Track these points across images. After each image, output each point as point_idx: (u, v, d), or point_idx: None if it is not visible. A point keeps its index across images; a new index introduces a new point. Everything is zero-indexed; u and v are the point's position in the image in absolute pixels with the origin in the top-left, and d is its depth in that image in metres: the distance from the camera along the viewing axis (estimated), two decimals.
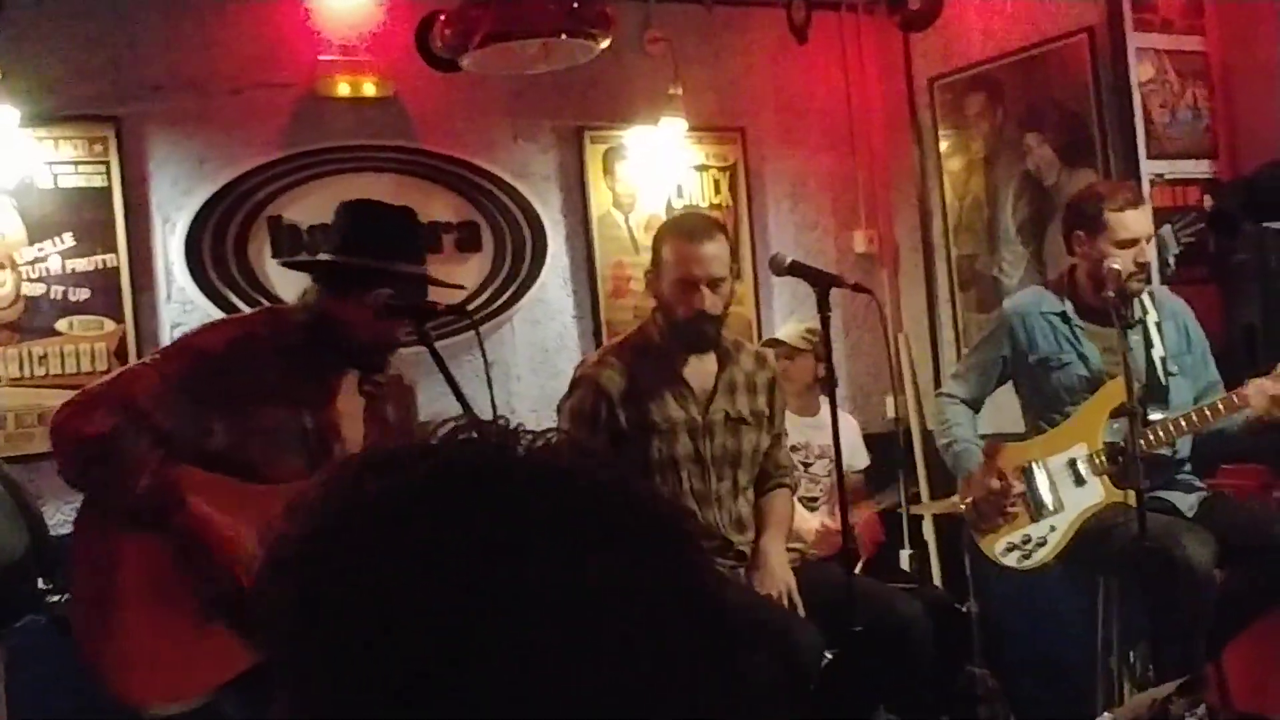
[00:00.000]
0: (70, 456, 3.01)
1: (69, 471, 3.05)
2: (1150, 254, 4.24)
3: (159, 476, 2.96)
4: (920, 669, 3.90)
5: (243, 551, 2.97)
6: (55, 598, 3.89)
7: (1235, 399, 4.07)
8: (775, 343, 5.25)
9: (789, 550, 4.49)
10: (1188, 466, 4.34)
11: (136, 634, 2.91)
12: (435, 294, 3.31)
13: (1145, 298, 4.32)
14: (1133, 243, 4.15)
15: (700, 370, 3.95)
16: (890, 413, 6.14)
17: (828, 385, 3.66)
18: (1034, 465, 4.27)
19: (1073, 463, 4.24)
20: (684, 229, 3.95)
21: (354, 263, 3.15)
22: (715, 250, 3.88)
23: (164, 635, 2.97)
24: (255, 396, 3.10)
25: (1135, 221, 4.17)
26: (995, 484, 4.23)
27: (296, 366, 3.16)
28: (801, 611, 3.80)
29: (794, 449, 5.21)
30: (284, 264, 4.50)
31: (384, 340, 3.16)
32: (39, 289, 4.77)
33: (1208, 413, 4.09)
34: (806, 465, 5.27)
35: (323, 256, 3.31)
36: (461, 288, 5.05)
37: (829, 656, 4.12)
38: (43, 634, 3.93)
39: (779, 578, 3.83)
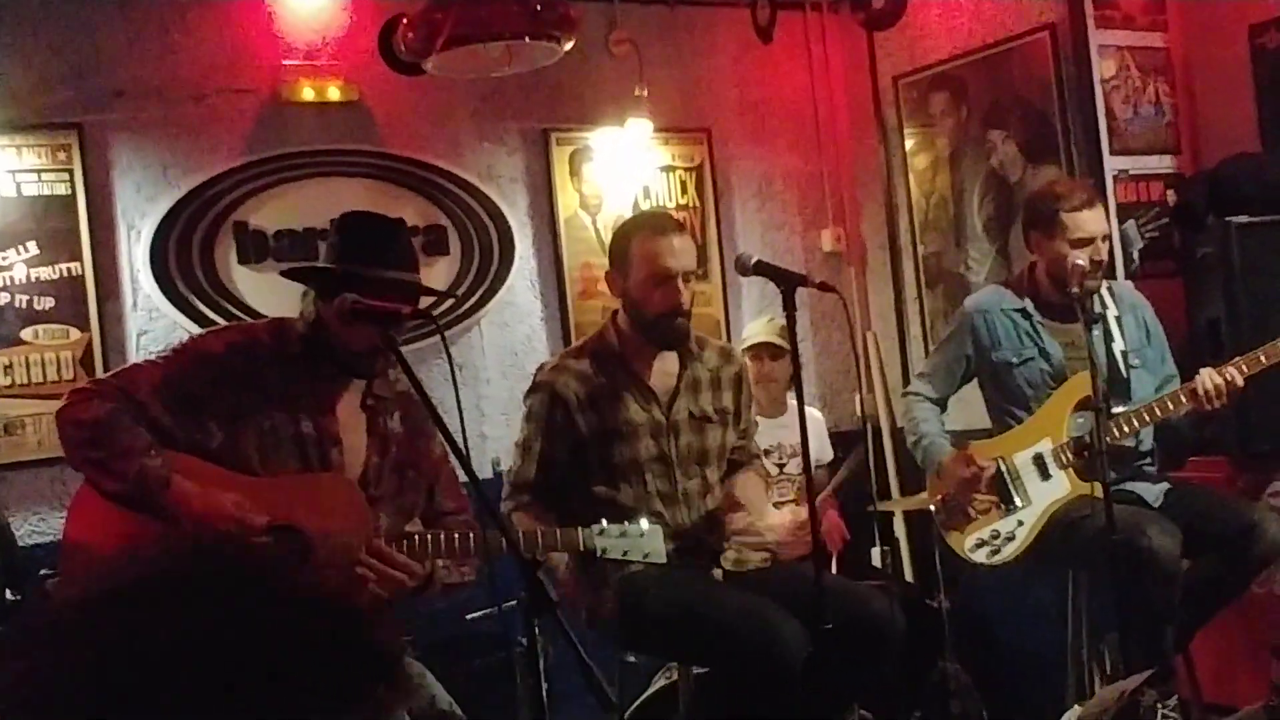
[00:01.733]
0: (71, 441, 3.12)
1: (70, 456, 3.16)
2: (1105, 252, 4.27)
3: (148, 460, 3.04)
4: (893, 665, 3.91)
5: (234, 511, 3.05)
6: (49, 573, 3.90)
7: (1192, 391, 4.11)
8: (761, 346, 5.25)
9: (760, 550, 4.51)
10: (1151, 458, 4.37)
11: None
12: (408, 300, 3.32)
13: (1105, 293, 4.36)
14: (1088, 242, 4.18)
15: (661, 370, 3.94)
16: (858, 411, 6.16)
17: (795, 383, 3.65)
18: (1001, 461, 4.29)
19: (1039, 457, 4.27)
20: (652, 224, 3.94)
21: (340, 269, 3.22)
22: (686, 244, 3.92)
23: None
24: (254, 400, 3.17)
25: (1090, 221, 4.21)
26: (965, 472, 4.25)
27: (297, 374, 3.23)
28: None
29: (766, 452, 5.22)
30: (283, 272, 4.47)
31: (365, 345, 3.19)
32: (3, 298, 4.74)
33: (1169, 403, 4.13)
34: (781, 467, 5.27)
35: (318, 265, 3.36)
36: (455, 295, 5.05)
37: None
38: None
39: (776, 525, 3.97)
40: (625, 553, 3.40)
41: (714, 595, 3.74)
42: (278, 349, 3.24)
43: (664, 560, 3.48)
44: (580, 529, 3.41)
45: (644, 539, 3.40)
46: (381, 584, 3.15)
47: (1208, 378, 4.05)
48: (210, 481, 3.08)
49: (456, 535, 3.26)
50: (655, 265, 3.79)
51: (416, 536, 3.26)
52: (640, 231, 3.90)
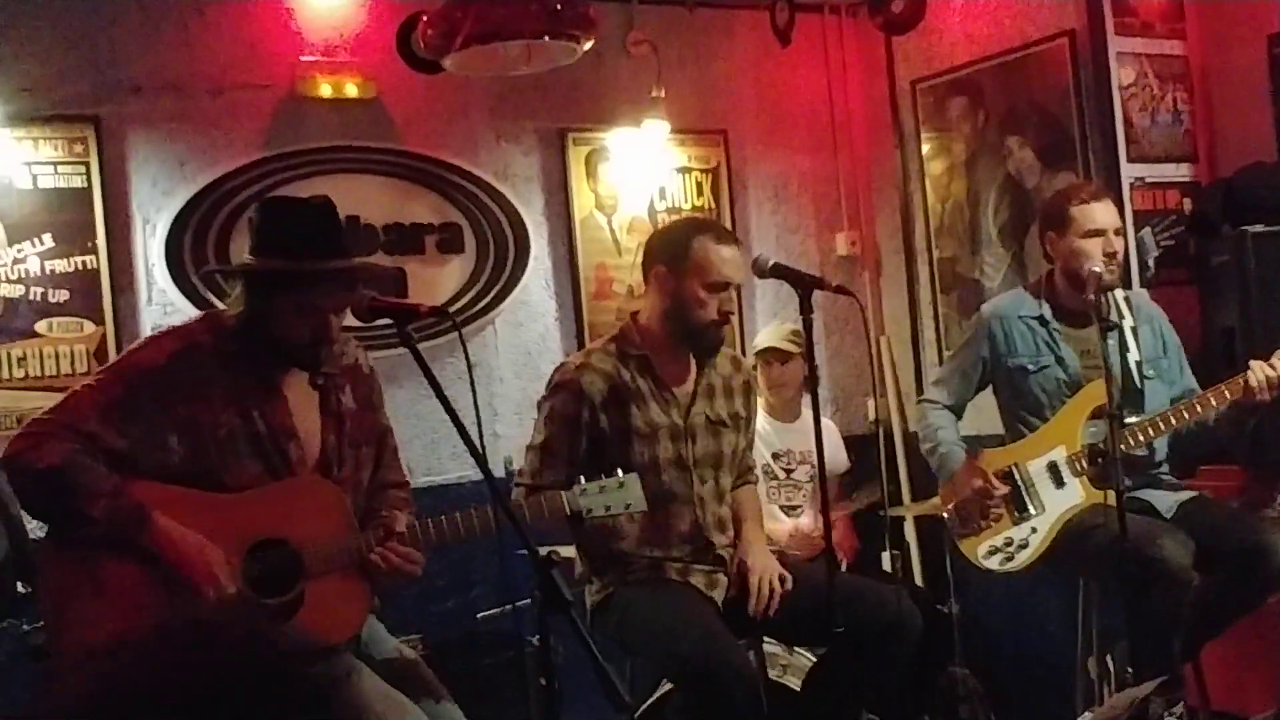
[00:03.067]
0: (27, 491, 2.99)
1: (28, 505, 3.04)
2: (1119, 246, 4.26)
3: (118, 498, 2.93)
4: (911, 664, 3.90)
5: (211, 563, 2.96)
6: (27, 627, 3.87)
7: (1211, 398, 4.10)
8: (770, 351, 5.25)
9: (792, 553, 4.52)
10: (1165, 467, 4.36)
11: (108, 653, 2.89)
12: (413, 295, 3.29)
13: (1121, 302, 4.35)
14: (1099, 233, 4.19)
15: (680, 374, 3.94)
16: (872, 415, 6.15)
17: (811, 387, 3.65)
18: (1014, 468, 4.28)
19: (1053, 465, 4.26)
20: (715, 231, 3.92)
21: (262, 267, 3.10)
22: (742, 257, 3.91)
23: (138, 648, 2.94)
24: (205, 406, 3.04)
25: (1100, 213, 4.23)
26: (978, 484, 4.24)
27: (240, 370, 3.11)
28: (782, 585, 3.81)
29: (775, 456, 5.22)
30: (202, 274, 4.48)
31: (313, 337, 3.10)
32: (18, 290, 4.75)
33: (1184, 412, 4.12)
34: (789, 471, 5.27)
35: (245, 260, 3.18)
36: (398, 271, 4.97)
37: (799, 653, 4.13)
38: (20, 639, 3.91)
39: (766, 566, 3.83)
40: (608, 508, 3.37)
41: (684, 616, 3.70)
42: (217, 346, 3.11)
43: (645, 507, 3.47)
44: (562, 493, 3.38)
45: (623, 489, 3.38)
46: (391, 575, 3.14)
47: (1260, 369, 4.03)
48: (185, 508, 2.97)
49: (456, 519, 3.21)
50: (716, 273, 3.79)
51: (414, 526, 3.22)
52: (702, 235, 3.85)
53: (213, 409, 3.05)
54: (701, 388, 3.94)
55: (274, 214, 3.22)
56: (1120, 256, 4.28)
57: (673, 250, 3.85)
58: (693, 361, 3.96)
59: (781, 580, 3.81)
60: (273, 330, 3.09)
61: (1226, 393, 4.09)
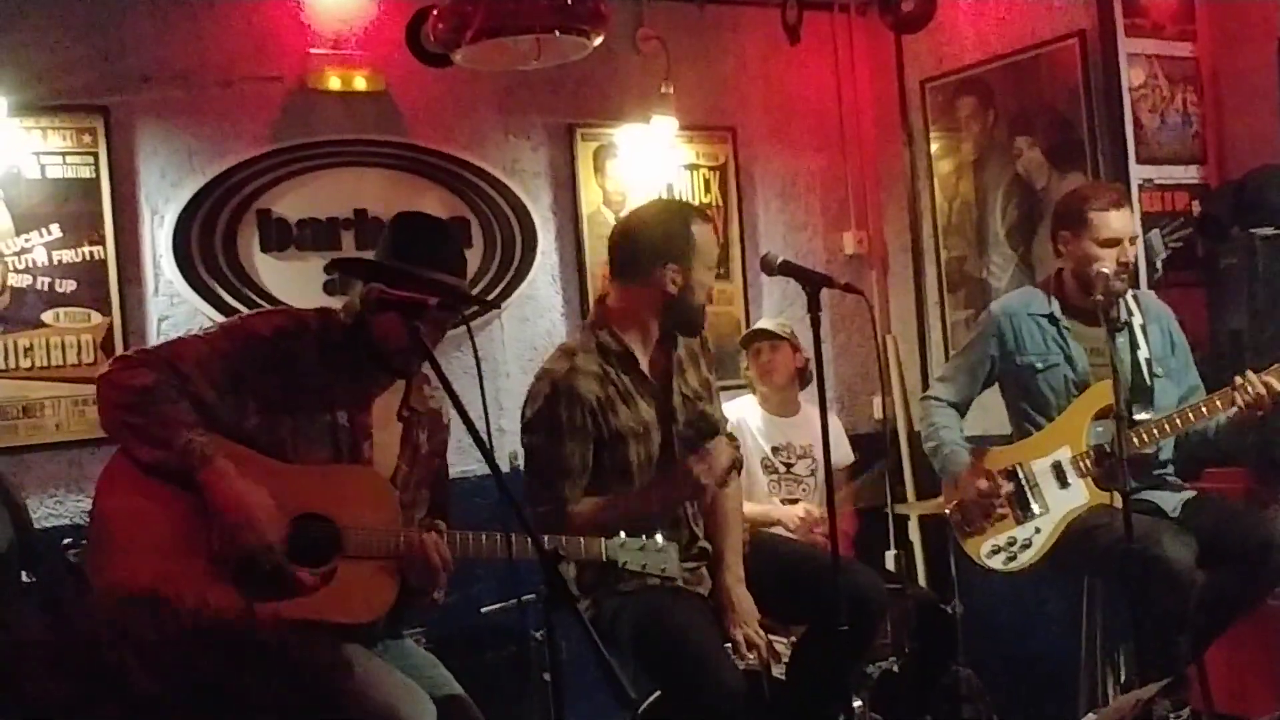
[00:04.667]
0: (112, 404, 3.08)
1: (108, 419, 3.11)
2: (1133, 255, 4.26)
3: (191, 432, 3.02)
4: (871, 637, 3.95)
5: (259, 512, 3.02)
6: (74, 548, 3.93)
7: (1219, 401, 4.08)
8: (760, 333, 5.25)
9: (770, 534, 4.51)
10: (1170, 467, 4.36)
11: (144, 582, 2.91)
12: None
13: (1131, 301, 4.34)
14: (1115, 242, 4.17)
15: (655, 359, 3.86)
16: (877, 413, 6.15)
17: (817, 384, 3.64)
18: (1019, 468, 4.28)
19: (1057, 465, 4.26)
20: (699, 213, 3.89)
21: (388, 265, 3.22)
22: None
23: (171, 587, 2.95)
24: (293, 386, 3.16)
25: (1118, 221, 4.20)
26: (982, 484, 4.24)
27: (337, 366, 3.22)
28: (768, 646, 3.81)
29: (775, 450, 5.22)
30: (333, 264, 4.48)
31: (401, 343, 3.16)
32: (25, 280, 4.75)
33: (1191, 414, 4.11)
34: (788, 466, 5.27)
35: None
36: (496, 306, 5.02)
37: (792, 641, 4.13)
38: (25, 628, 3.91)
39: (748, 615, 3.81)
40: (644, 566, 3.39)
41: (678, 622, 3.68)
42: (322, 337, 3.23)
43: (676, 579, 3.49)
44: (603, 540, 3.38)
45: (660, 554, 3.40)
46: (424, 568, 3.16)
47: (1255, 381, 4.01)
48: (246, 466, 3.06)
49: (483, 536, 3.25)
50: (712, 254, 3.80)
51: (456, 535, 3.26)
52: (695, 219, 3.80)
53: (300, 391, 3.16)
54: (675, 365, 3.87)
55: (409, 225, 3.39)
56: (1133, 265, 4.27)
57: (680, 243, 3.73)
58: (662, 348, 3.87)
59: (763, 626, 3.81)
60: (375, 332, 3.19)
61: (1219, 403, 4.08)
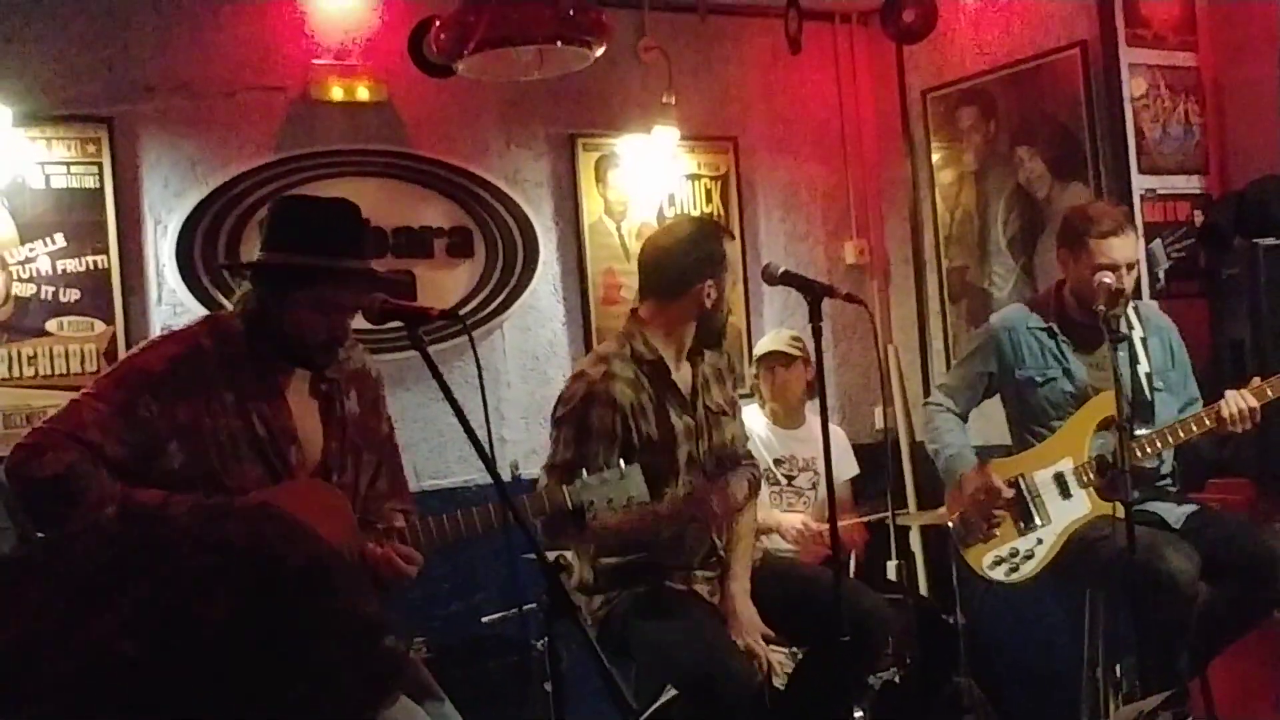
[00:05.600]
0: (30, 500, 2.98)
1: (32, 515, 3.01)
2: (1130, 282, 4.23)
3: (124, 503, 2.92)
4: (877, 659, 4.01)
5: None
6: None
7: (1217, 414, 4.09)
8: (773, 356, 5.25)
9: (782, 555, 4.52)
10: (1173, 480, 4.36)
11: None
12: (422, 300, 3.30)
13: (1131, 314, 4.35)
14: (1113, 268, 4.15)
15: (684, 372, 3.93)
16: (879, 423, 6.15)
17: (818, 395, 3.65)
18: (1021, 479, 4.28)
19: (1060, 476, 4.26)
20: (725, 229, 3.97)
21: (288, 263, 3.09)
22: None
23: None
24: (206, 411, 3.04)
25: (1117, 248, 4.18)
26: (984, 489, 4.24)
27: (241, 373, 3.10)
28: (769, 659, 3.82)
29: (777, 462, 5.22)
30: (220, 267, 4.43)
31: (330, 336, 3.10)
32: (29, 289, 4.75)
33: (1193, 425, 4.11)
34: (790, 479, 5.27)
35: (259, 257, 3.18)
36: (405, 276, 4.94)
37: (798, 653, 4.14)
38: None
39: (751, 625, 3.84)
40: (610, 501, 3.35)
41: (686, 625, 3.72)
42: (220, 350, 3.10)
43: (648, 498, 3.46)
44: (565, 487, 3.37)
45: (624, 481, 3.35)
46: (388, 574, 3.12)
47: (1234, 401, 4.03)
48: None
49: (456, 518, 3.22)
50: (737, 270, 3.90)
51: (414, 525, 3.23)
52: (725, 237, 3.93)
53: (213, 413, 3.04)
54: (700, 381, 3.94)
55: (295, 211, 3.24)
56: (1130, 292, 4.25)
57: (714, 260, 3.82)
58: (691, 360, 3.95)
59: (766, 640, 3.83)
60: (288, 328, 3.08)
61: (1207, 420, 4.09)
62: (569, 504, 3.35)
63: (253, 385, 3.11)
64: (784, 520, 5.07)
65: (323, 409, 3.22)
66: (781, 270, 3.72)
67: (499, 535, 3.19)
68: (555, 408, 3.89)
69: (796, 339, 5.24)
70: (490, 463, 2.77)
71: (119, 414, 2.98)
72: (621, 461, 3.41)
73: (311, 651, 0.95)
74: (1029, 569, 4.26)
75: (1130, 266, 4.23)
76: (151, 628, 0.90)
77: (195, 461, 3.02)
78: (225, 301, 5.01)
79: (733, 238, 3.96)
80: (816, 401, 4.29)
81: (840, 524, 3.88)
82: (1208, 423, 4.09)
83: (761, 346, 5.37)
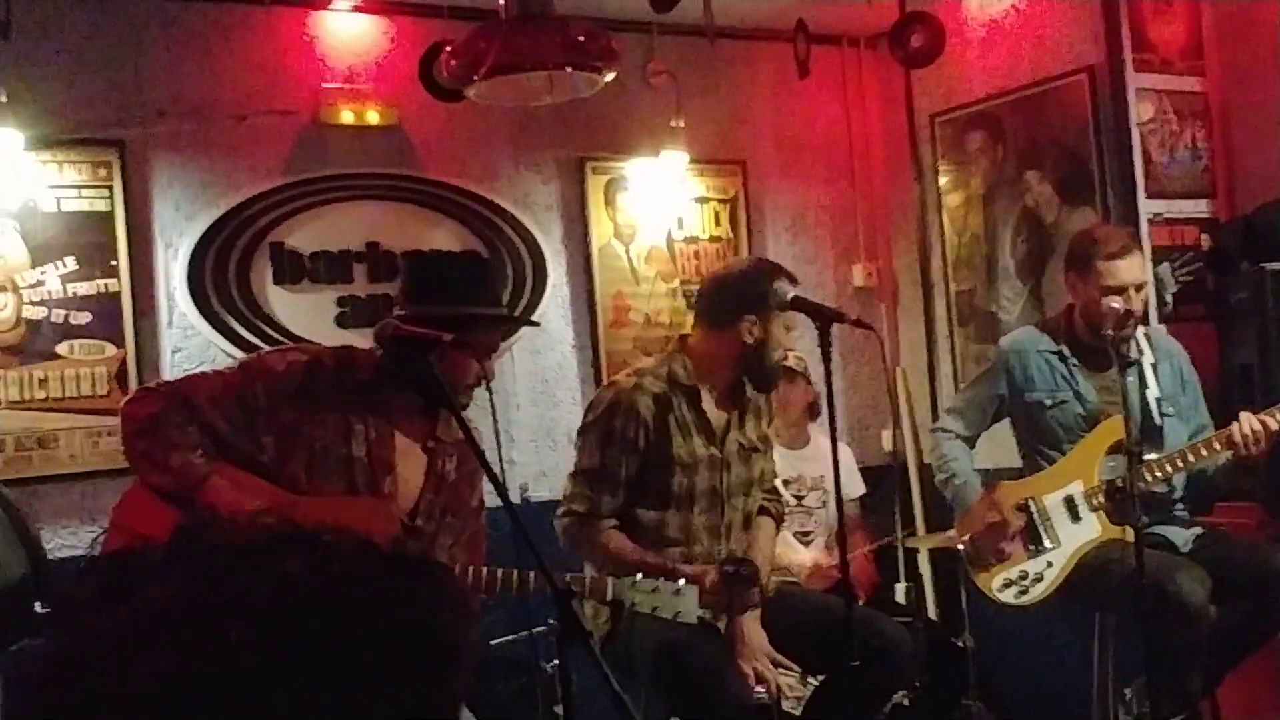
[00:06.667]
0: (125, 433, 3.21)
1: (125, 447, 3.24)
2: (1139, 304, 4.22)
3: (192, 456, 3.12)
4: (897, 688, 3.97)
5: None
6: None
7: (1218, 441, 4.09)
8: None
9: (786, 583, 4.52)
10: (1181, 503, 4.35)
11: None
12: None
13: (1141, 339, 4.34)
14: (1121, 290, 4.15)
15: (721, 406, 3.93)
16: (887, 446, 6.15)
17: (828, 417, 3.66)
18: (1030, 502, 4.28)
19: (1070, 499, 4.25)
20: (792, 276, 3.92)
21: (470, 313, 3.30)
22: None
23: None
24: (310, 419, 3.22)
25: (1124, 270, 4.17)
26: (994, 517, 4.24)
27: (358, 401, 3.27)
28: (777, 683, 3.81)
29: (786, 483, 5.21)
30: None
31: (477, 379, 3.28)
32: (40, 312, 4.77)
33: (1202, 450, 4.11)
34: (799, 498, 5.26)
35: (397, 313, 3.33)
36: (536, 323, 5.02)
37: (813, 683, 4.14)
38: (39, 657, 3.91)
39: (758, 650, 3.83)
40: (655, 609, 3.35)
41: (689, 648, 3.70)
42: (340, 374, 3.28)
43: (694, 621, 3.46)
44: (611, 579, 3.39)
45: (676, 598, 3.33)
46: None
47: (1246, 423, 4.02)
48: (251, 493, 3.11)
49: (500, 572, 3.27)
50: (792, 316, 3.84)
51: (469, 571, 3.28)
52: (780, 278, 3.85)
53: (317, 423, 3.22)
54: (734, 418, 3.94)
55: (445, 265, 3.51)
56: (1139, 314, 4.26)
57: (760, 297, 3.81)
58: (730, 395, 3.95)
59: (773, 662, 3.83)
60: (440, 372, 3.14)
61: (1216, 444, 4.09)
62: (609, 595, 3.38)
63: (364, 412, 3.28)
64: (795, 560, 5.05)
65: (428, 464, 3.37)
66: (791, 295, 3.73)
67: (510, 558, 3.21)
68: (585, 414, 3.96)
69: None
70: (501, 485, 2.78)
71: (231, 392, 3.20)
72: (681, 580, 3.38)
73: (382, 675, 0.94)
74: (1039, 591, 4.26)
75: (1139, 287, 4.23)
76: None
77: (282, 461, 3.20)
78: (236, 325, 5.04)
79: (793, 282, 3.86)
80: (822, 422, 4.32)
81: (850, 555, 3.88)
82: (1217, 447, 4.09)
83: None
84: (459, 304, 3.28)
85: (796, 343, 5.79)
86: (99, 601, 0.94)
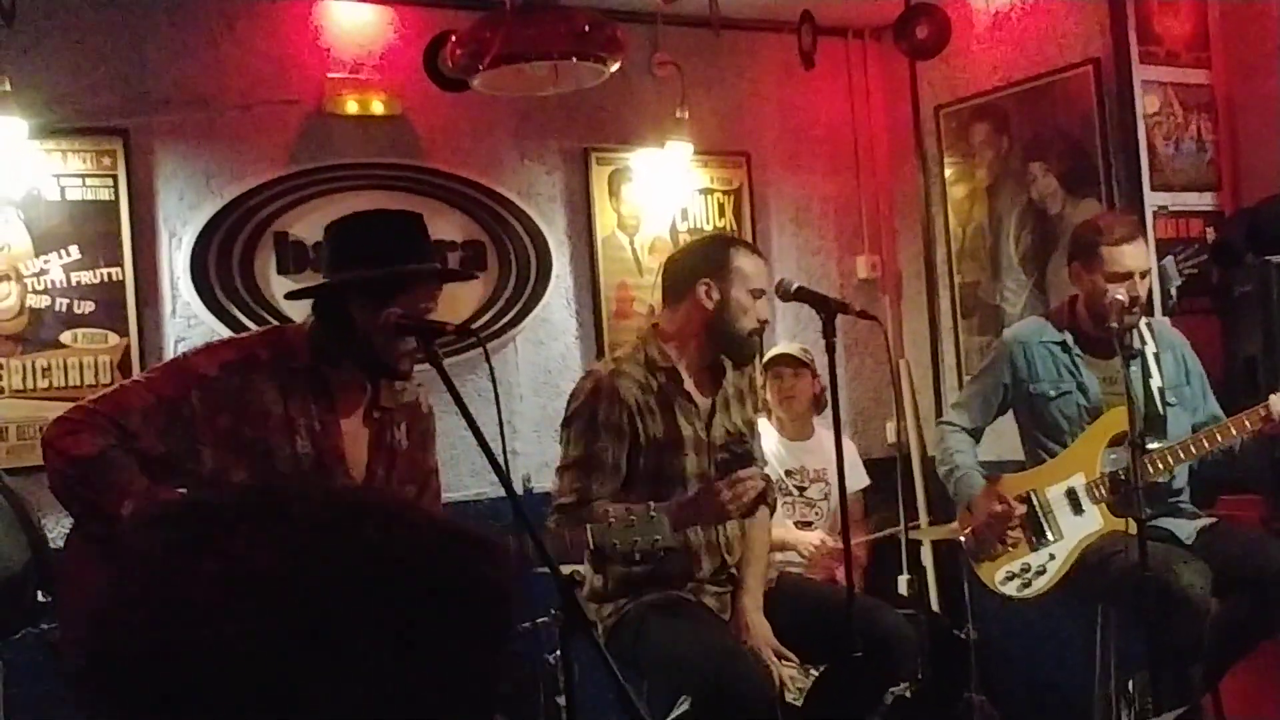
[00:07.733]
0: (58, 474, 2.99)
1: (57, 489, 3.02)
2: (1144, 290, 4.23)
3: (144, 500, 2.90)
4: (900, 678, 3.97)
5: None
6: (48, 625, 3.87)
7: (1232, 427, 4.08)
8: (782, 359, 5.25)
9: (789, 570, 4.52)
10: (1185, 495, 4.35)
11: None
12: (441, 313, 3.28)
13: (1144, 329, 4.33)
14: (1125, 277, 4.15)
15: (702, 388, 3.92)
16: (891, 438, 6.15)
17: (831, 409, 3.66)
18: (1033, 494, 4.28)
19: (1072, 491, 4.25)
20: (744, 243, 3.97)
21: (353, 278, 3.09)
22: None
23: None
24: (245, 420, 3.04)
25: (1129, 257, 4.18)
26: (997, 509, 4.24)
27: (297, 391, 3.10)
28: (779, 670, 3.81)
29: (789, 473, 5.22)
30: (289, 296, 4.37)
31: (399, 353, 3.11)
32: (44, 301, 4.78)
33: (1204, 440, 4.11)
34: (801, 489, 5.27)
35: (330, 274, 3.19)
36: (474, 276, 4.95)
37: (814, 673, 4.14)
38: (40, 648, 3.92)
39: (762, 640, 3.83)
40: (635, 543, 3.30)
41: (699, 634, 3.72)
42: (276, 363, 3.10)
43: (673, 543, 3.44)
44: (590, 525, 3.34)
45: (650, 524, 3.29)
46: None
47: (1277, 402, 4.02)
48: None
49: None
50: (755, 282, 3.82)
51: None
52: (738, 247, 3.92)
53: (254, 425, 3.05)
54: (720, 400, 3.94)
55: (372, 225, 3.29)
56: (1144, 300, 4.25)
57: (715, 262, 3.84)
58: (710, 375, 3.95)
59: (777, 655, 3.82)
60: (376, 340, 3.06)
61: (1247, 423, 4.08)
62: (590, 544, 3.33)
63: (305, 402, 3.10)
64: (800, 538, 5.06)
65: (373, 436, 3.22)
66: (796, 286, 3.73)
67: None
68: (567, 406, 3.90)
69: (805, 350, 5.25)
70: (505, 476, 2.78)
71: (163, 408, 2.99)
72: (651, 504, 3.37)
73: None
74: (1041, 584, 4.26)
75: (1143, 274, 4.23)
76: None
77: (226, 471, 3.02)
78: (240, 315, 5.04)
79: (751, 250, 3.90)
80: (825, 414, 4.32)
81: (853, 542, 3.88)
82: (1219, 438, 4.09)
83: (771, 351, 5.38)
84: (389, 264, 3.08)
85: (801, 334, 5.84)
86: (178, 551, 0.98)
